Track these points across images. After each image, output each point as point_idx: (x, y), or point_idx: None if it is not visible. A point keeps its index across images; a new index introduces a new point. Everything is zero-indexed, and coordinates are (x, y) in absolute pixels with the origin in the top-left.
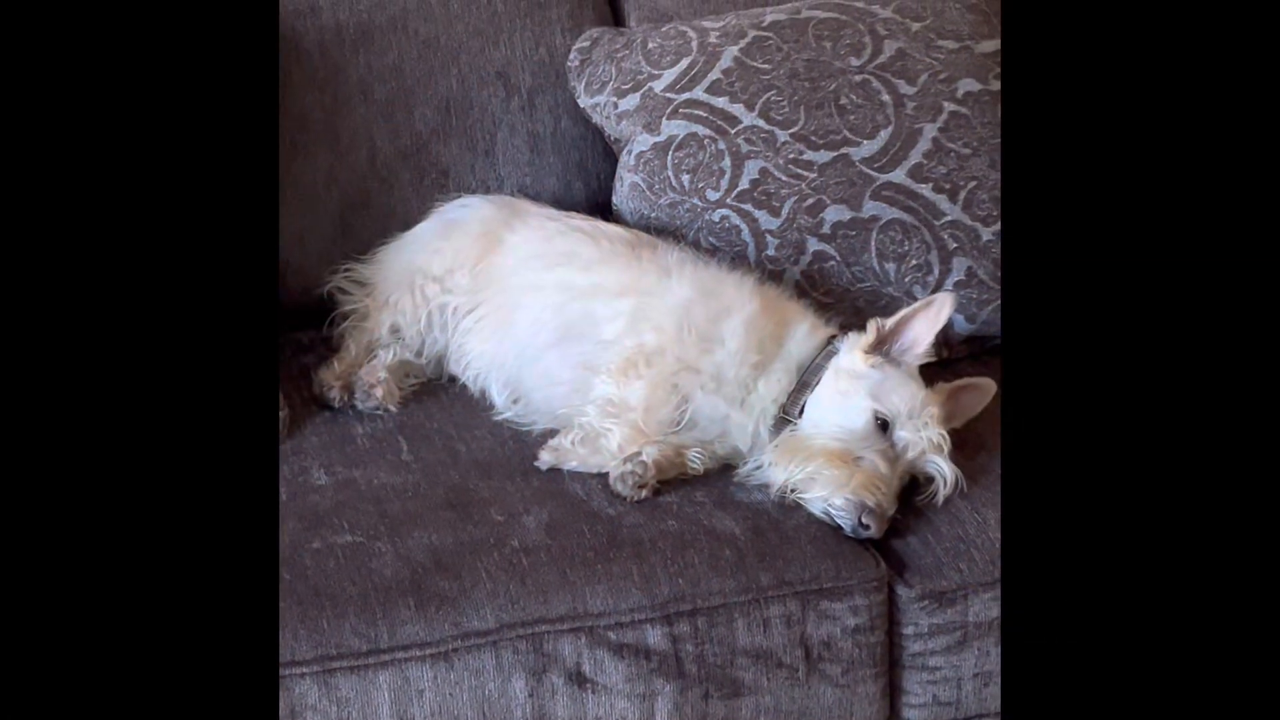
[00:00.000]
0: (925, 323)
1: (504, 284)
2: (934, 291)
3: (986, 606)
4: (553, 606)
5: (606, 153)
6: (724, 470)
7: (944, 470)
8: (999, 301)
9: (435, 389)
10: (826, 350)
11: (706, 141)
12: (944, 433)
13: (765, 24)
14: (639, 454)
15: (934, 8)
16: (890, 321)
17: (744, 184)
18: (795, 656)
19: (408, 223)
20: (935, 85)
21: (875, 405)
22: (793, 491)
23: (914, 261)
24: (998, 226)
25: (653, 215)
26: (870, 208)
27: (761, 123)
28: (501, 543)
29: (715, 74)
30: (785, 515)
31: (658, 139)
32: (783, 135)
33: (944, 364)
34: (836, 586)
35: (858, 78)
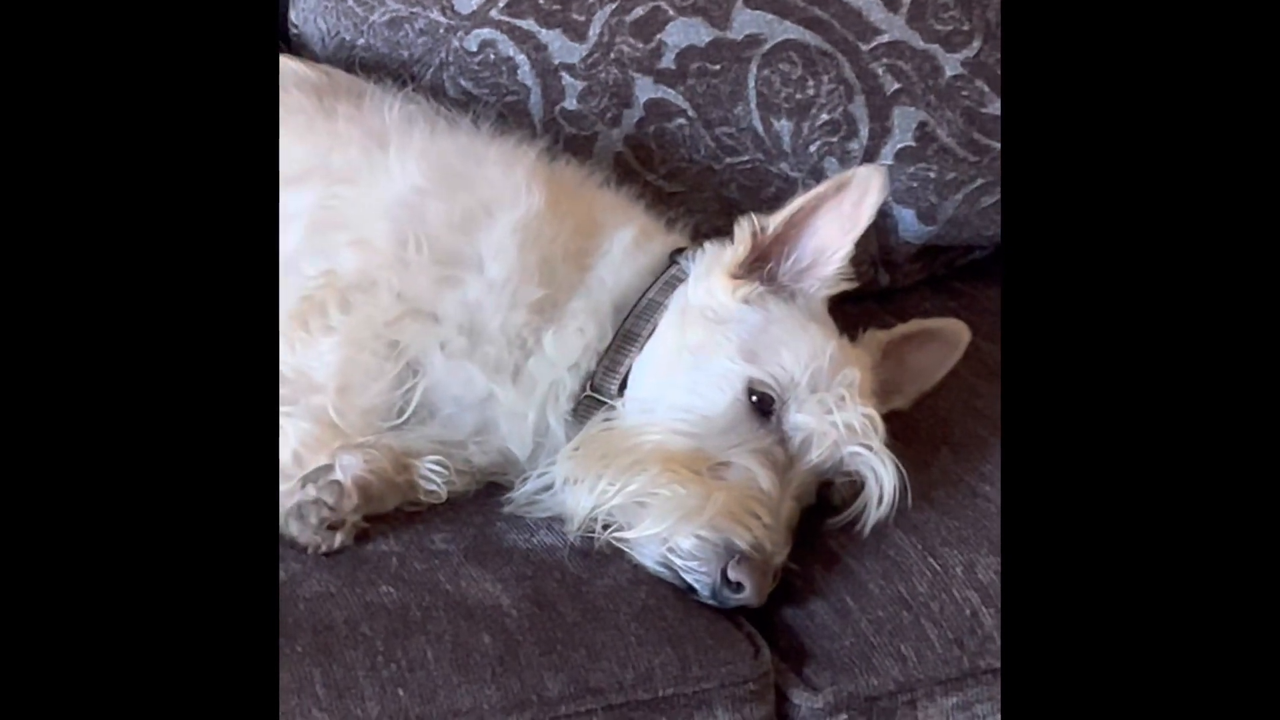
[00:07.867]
0: (838, 220)
1: None
2: (857, 165)
3: (948, 718)
4: None
5: None
6: (487, 492)
7: (878, 472)
8: (976, 184)
9: None
10: (667, 276)
11: None
12: (872, 413)
13: None
14: (329, 467)
15: None
16: (777, 219)
17: None
18: None
19: None
20: None
21: (750, 370)
22: (607, 527)
23: (825, 116)
24: (969, 52)
25: (360, 42)
26: (745, 21)
27: None
28: None
29: None
30: (593, 571)
31: None
32: None
33: (879, 296)
34: (681, 694)
35: None
